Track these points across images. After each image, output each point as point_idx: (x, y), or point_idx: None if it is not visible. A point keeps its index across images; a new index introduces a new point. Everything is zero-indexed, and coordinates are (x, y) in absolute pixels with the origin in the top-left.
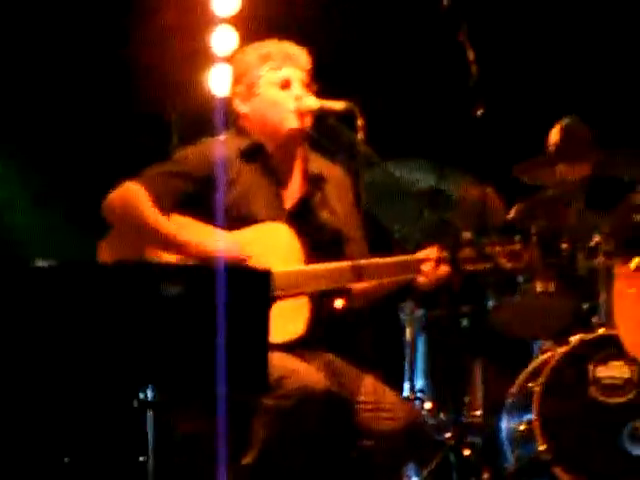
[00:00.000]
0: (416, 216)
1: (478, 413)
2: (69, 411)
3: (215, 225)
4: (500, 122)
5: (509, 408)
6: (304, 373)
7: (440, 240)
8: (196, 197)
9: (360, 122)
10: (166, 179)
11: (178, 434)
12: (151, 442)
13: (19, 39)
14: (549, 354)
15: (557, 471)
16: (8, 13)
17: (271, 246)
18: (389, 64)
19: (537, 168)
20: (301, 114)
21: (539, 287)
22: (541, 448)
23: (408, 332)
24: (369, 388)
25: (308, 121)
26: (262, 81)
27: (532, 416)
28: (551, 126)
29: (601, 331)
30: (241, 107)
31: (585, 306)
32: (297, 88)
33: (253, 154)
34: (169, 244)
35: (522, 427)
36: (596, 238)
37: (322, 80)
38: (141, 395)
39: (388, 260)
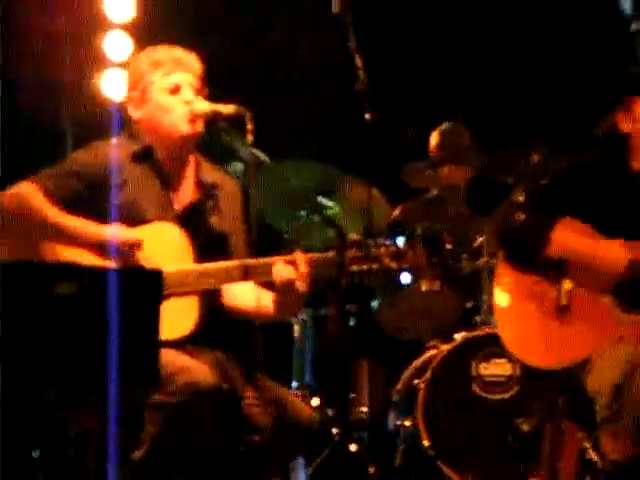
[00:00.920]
0: (304, 217)
1: (364, 409)
2: None
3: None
4: (387, 126)
5: (395, 405)
6: (193, 370)
7: (327, 241)
8: (86, 197)
9: (250, 125)
10: (57, 179)
11: (72, 430)
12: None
13: None
14: (434, 352)
15: (442, 466)
16: None
17: (161, 245)
18: (281, 69)
19: (421, 171)
20: (192, 119)
21: (424, 286)
22: (426, 444)
23: (296, 330)
24: (259, 385)
25: (200, 126)
26: (154, 87)
27: (417, 412)
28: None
29: (484, 329)
30: (134, 112)
31: (469, 305)
32: (187, 93)
33: (144, 157)
34: (69, 235)
35: (407, 423)
36: (479, 239)
37: (214, 84)
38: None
39: (269, 260)
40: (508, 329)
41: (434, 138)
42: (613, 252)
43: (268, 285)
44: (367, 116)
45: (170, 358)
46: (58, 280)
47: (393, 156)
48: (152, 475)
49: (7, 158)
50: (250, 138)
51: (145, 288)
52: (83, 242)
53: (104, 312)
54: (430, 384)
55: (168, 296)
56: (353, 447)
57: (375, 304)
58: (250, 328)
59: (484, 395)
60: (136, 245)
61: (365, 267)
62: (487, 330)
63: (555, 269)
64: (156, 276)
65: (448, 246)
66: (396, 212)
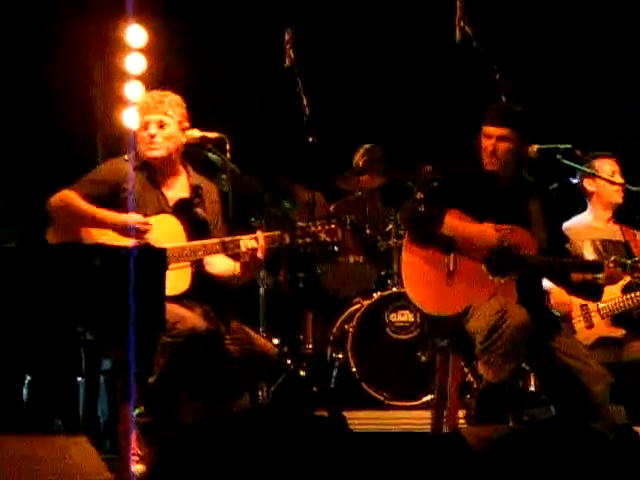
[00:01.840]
0: (265, 211)
1: (310, 346)
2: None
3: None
4: (324, 145)
5: (331, 343)
6: (190, 318)
7: (281, 227)
8: (110, 197)
9: (228, 147)
10: (89, 185)
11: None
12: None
13: None
14: (358, 305)
15: (365, 386)
16: None
17: (163, 230)
18: (248, 103)
19: (348, 178)
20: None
21: (352, 259)
22: (354, 370)
23: (261, 291)
24: (235, 329)
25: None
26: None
27: (347, 348)
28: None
29: (394, 289)
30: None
31: (383, 273)
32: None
33: (145, 169)
34: (101, 222)
35: (340, 356)
36: (390, 225)
37: (199, 115)
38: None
39: (239, 237)
40: (412, 287)
41: (359, 154)
42: (486, 232)
43: (236, 257)
44: (310, 139)
45: (173, 309)
46: (93, 257)
47: (329, 168)
48: (162, 393)
49: (56, 173)
50: (229, 156)
51: (153, 261)
52: (112, 225)
53: (126, 279)
54: (356, 328)
55: (169, 264)
56: (302, 373)
57: (318, 271)
58: (228, 288)
59: (394, 336)
60: (148, 226)
61: (308, 240)
62: (395, 290)
63: (446, 244)
64: (161, 252)
65: (368, 231)
66: (331, 208)
